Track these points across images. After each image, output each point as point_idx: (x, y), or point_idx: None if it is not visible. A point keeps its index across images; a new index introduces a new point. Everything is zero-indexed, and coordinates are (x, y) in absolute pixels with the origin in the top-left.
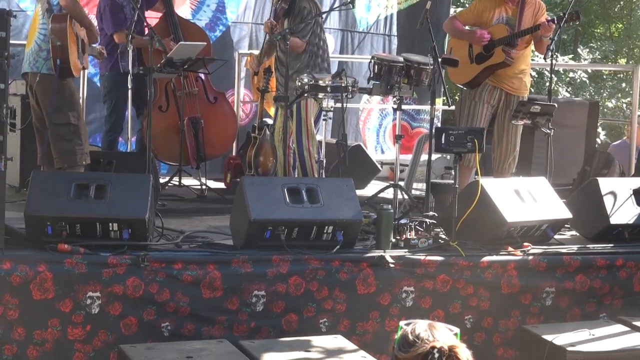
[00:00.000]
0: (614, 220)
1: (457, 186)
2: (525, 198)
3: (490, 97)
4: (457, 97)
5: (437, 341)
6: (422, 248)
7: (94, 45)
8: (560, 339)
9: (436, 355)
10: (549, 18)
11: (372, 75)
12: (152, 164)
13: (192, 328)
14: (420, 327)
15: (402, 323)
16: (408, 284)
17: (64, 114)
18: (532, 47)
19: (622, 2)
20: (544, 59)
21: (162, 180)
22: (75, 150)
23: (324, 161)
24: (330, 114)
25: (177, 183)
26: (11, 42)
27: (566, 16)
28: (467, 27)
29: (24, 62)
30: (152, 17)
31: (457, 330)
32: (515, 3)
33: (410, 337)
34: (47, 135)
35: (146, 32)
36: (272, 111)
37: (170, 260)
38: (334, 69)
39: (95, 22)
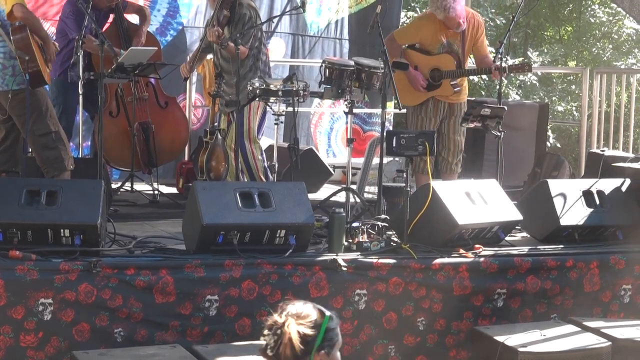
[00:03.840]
0: (564, 221)
1: (408, 189)
2: (476, 200)
3: (436, 112)
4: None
5: (279, 316)
6: (375, 251)
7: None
8: (511, 339)
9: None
10: (497, 66)
11: (323, 79)
12: (103, 170)
13: (145, 333)
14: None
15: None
16: (361, 287)
17: (43, 123)
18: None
19: (571, 5)
20: (493, 61)
21: (114, 186)
22: (61, 156)
23: (276, 165)
24: (282, 118)
25: (129, 188)
26: None
27: (516, 64)
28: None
29: None
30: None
31: (329, 314)
32: (454, 27)
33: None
34: (25, 146)
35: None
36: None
37: (122, 266)
38: (285, 73)
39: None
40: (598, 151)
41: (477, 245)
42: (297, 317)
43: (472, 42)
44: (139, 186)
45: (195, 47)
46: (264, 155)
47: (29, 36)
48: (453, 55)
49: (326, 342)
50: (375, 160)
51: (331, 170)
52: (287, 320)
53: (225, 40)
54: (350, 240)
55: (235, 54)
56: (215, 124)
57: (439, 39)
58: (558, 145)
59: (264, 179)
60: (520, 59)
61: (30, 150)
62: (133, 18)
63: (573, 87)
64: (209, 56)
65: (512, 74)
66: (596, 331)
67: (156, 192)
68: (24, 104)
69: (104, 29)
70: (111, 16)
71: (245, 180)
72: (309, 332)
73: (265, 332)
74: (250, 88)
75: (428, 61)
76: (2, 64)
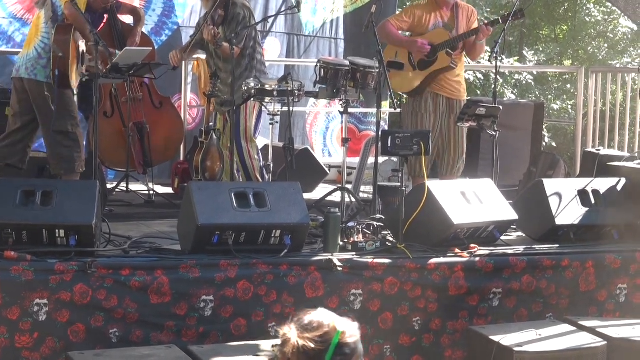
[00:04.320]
0: (559, 220)
1: (403, 189)
2: (471, 200)
3: (435, 106)
4: (404, 100)
5: (287, 327)
6: (370, 251)
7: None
8: (507, 339)
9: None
10: (487, 22)
11: (318, 79)
12: (98, 170)
13: (141, 334)
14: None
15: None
16: (356, 286)
17: (63, 122)
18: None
19: (566, 4)
20: (489, 60)
21: (109, 186)
22: (73, 157)
23: (272, 165)
24: (277, 118)
25: (124, 189)
26: None
27: (511, 15)
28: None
29: (19, 66)
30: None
31: (344, 328)
32: (449, 8)
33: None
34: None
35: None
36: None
37: (117, 266)
38: (280, 72)
39: None
40: (593, 150)
41: (472, 245)
42: (304, 330)
43: (466, 26)
44: (134, 186)
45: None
46: (260, 154)
47: (71, 40)
48: (447, 31)
49: (338, 356)
50: (371, 160)
51: (327, 170)
52: (291, 332)
53: (220, 39)
54: (346, 240)
55: (229, 54)
56: (211, 123)
57: (433, 20)
58: (554, 144)
59: (260, 179)
60: (516, 58)
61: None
62: (127, 19)
63: (569, 86)
64: (203, 56)
65: (507, 25)
66: (592, 330)
67: (151, 192)
68: (48, 98)
69: (98, 30)
70: (105, 17)
71: (241, 179)
72: (313, 346)
73: (274, 342)
74: (246, 88)
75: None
76: (40, 53)
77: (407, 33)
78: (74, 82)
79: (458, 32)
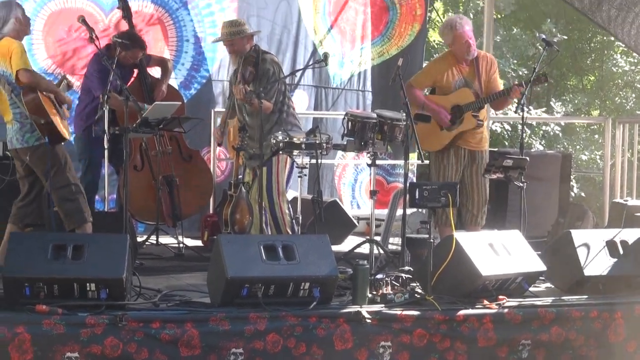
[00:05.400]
0: (587, 271)
1: (432, 240)
2: (499, 251)
3: (457, 159)
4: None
5: None
6: (399, 303)
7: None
8: None
9: None
10: (517, 83)
11: (346, 132)
12: (129, 223)
13: None
14: None
15: None
16: (385, 339)
17: (63, 176)
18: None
19: (593, 55)
20: (515, 112)
21: (139, 239)
22: (81, 208)
23: (300, 217)
24: (306, 171)
25: (154, 242)
26: None
27: (533, 78)
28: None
29: (10, 138)
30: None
31: None
32: (468, 63)
33: None
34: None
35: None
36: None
37: (148, 319)
38: (308, 125)
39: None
40: (621, 201)
41: (501, 296)
42: None
43: (487, 77)
44: (164, 239)
45: (220, 101)
46: (290, 208)
47: (39, 96)
48: (470, 89)
49: None
50: (399, 212)
51: (355, 222)
52: None
53: (250, 95)
54: (374, 292)
55: (258, 107)
56: (240, 177)
57: (454, 76)
58: (582, 194)
59: (290, 232)
60: (544, 109)
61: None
62: (157, 70)
63: (596, 136)
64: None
65: (526, 91)
66: None
67: (181, 245)
68: (44, 159)
69: (128, 84)
70: (135, 71)
71: (271, 233)
72: None
73: None
74: (274, 141)
75: (447, 100)
76: (20, 122)
77: (434, 90)
78: (65, 132)
79: (480, 84)
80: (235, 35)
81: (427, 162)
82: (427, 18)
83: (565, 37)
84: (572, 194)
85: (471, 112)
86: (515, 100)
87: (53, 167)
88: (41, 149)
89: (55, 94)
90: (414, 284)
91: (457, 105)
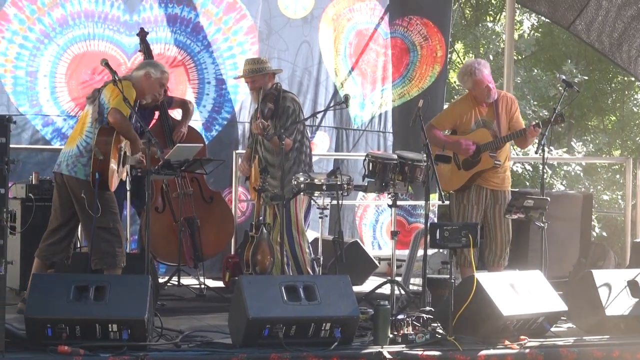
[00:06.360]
0: (609, 311)
1: (453, 281)
2: (520, 291)
3: (478, 199)
4: (452, 192)
5: None
6: (420, 343)
7: (134, 155)
8: None
9: None
10: (534, 123)
11: (367, 173)
12: (150, 265)
13: None
14: None
15: None
16: None
17: (104, 218)
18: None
19: (614, 95)
20: (536, 152)
21: (161, 280)
22: (115, 252)
23: (321, 258)
24: (327, 212)
25: (176, 283)
26: (11, 146)
27: (550, 118)
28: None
29: (60, 161)
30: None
31: None
32: (488, 104)
33: None
34: (93, 232)
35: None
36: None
37: None
38: (329, 166)
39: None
40: None
41: (522, 337)
42: None
43: (507, 117)
44: (186, 280)
45: (241, 142)
46: (311, 248)
47: (112, 143)
48: (489, 130)
49: None
50: (420, 252)
51: (376, 262)
52: None
53: (269, 132)
54: (396, 333)
55: (279, 147)
56: (261, 217)
57: (473, 117)
58: (604, 234)
59: (310, 272)
60: (565, 149)
61: (79, 246)
62: (178, 112)
63: (618, 176)
64: None
65: (545, 131)
66: None
67: (203, 286)
68: (90, 194)
69: (150, 126)
70: (156, 113)
71: (291, 272)
72: None
73: None
74: (295, 182)
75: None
76: (81, 151)
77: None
78: (113, 185)
79: (499, 125)
80: (256, 73)
81: (447, 202)
82: (448, 59)
83: (586, 78)
84: (594, 234)
85: (488, 152)
86: (536, 140)
87: (103, 207)
88: (83, 186)
89: (131, 141)
90: (435, 325)
91: (475, 144)
